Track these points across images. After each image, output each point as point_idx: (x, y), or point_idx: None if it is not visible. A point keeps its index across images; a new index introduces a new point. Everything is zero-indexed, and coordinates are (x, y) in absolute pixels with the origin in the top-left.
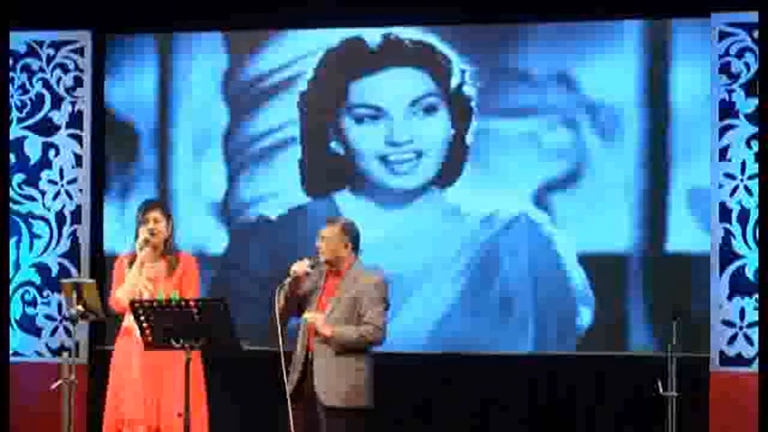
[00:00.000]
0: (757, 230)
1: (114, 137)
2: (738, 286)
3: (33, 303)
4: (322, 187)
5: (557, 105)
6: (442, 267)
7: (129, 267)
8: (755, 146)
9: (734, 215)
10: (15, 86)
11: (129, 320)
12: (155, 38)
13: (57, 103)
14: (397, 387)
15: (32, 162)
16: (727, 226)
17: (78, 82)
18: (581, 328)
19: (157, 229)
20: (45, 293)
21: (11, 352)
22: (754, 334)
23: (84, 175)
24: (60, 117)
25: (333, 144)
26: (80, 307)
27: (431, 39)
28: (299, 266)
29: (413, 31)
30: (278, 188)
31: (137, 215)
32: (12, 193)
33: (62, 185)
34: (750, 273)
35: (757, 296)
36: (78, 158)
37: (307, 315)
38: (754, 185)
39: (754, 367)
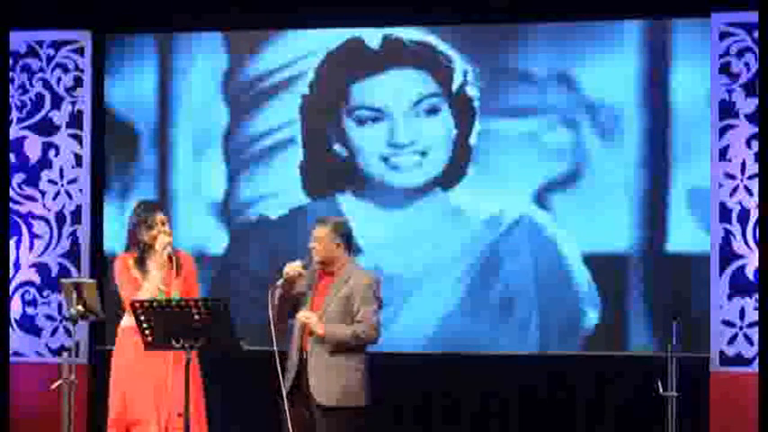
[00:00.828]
0: (757, 230)
1: (114, 137)
2: (738, 286)
3: (33, 303)
4: (322, 188)
5: (557, 105)
6: (444, 268)
7: (136, 268)
8: (755, 146)
9: (734, 215)
10: (15, 86)
11: (130, 320)
12: (155, 38)
13: (57, 103)
14: (398, 387)
15: (32, 162)
16: (727, 226)
17: (78, 82)
18: (581, 329)
19: (170, 233)
20: (45, 293)
21: (11, 352)
22: (755, 334)
23: (84, 175)
24: (60, 117)
25: (334, 145)
26: (80, 307)
27: (432, 39)
28: (292, 267)
29: (414, 32)
30: (278, 188)
31: (142, 216)
32: (12, 193)
33: (62, 185)
34: (750, 273)
35: (757, 296)
36: (78, 158)
37: (300, 314)
38: (754, 185)
39: (754, 367)
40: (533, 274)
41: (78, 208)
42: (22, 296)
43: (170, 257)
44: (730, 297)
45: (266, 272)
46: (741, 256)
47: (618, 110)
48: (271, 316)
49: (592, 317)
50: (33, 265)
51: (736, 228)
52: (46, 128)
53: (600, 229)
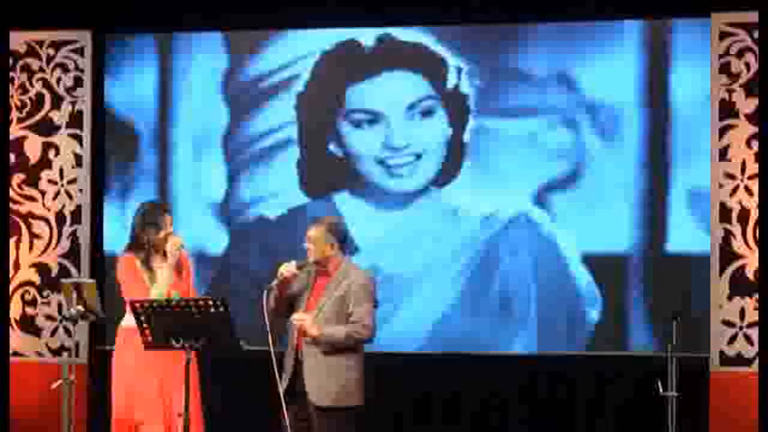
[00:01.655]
0: (757, 230)
1: (114, 137)
2: (738, 286)
3: (33, 303)
4: (321, 188)
5: (557, 105)
6: (442, 267)
7: (143, 267)
8: (755, 146)
9: (734, 215)
10: (15, 86)
11: (131, 320)
12: (155, 38)
13: (57, 103)
14: (398, 387)
15: (32, 162)
16: (727, 226)
17: (78, 82)
18: (581, 328)
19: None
20: (45, 293)
21: (11, 352)
22: (754, 334)
23: (85, 175)
24: (60, 117)
25: (331, 146)
26: (80, 307)
27: (425, 39)
28: (287, 268)
29: (411, 32)
30: (278, 188)
31: (150, 217)
32: (12, 193)
33: (62, 185)
34: (750, 273)
35: (757, 296)
36: (78, 158)
37: (295, 316)
38: (754, 185)
39: (754, 367)
40: (533, 274)
41: (78, 208)
42: (22, 296)
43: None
44: (730, 297)
45: (266, 272)
46: (741, 256)
47: (618, 110)
48: (266, 317)
49: (592, 317)
50: (33, 265)
51: (736, 228)
52: (46, 128)
53: (600, 229)
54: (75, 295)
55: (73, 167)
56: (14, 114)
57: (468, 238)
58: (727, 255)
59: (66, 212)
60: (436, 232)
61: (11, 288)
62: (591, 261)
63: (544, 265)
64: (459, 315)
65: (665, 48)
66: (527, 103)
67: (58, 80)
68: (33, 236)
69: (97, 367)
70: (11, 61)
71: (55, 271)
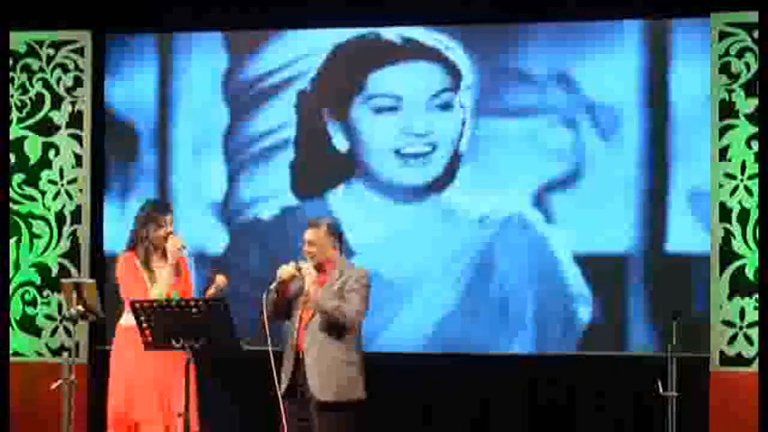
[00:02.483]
0: (757, 230)
1: (114, 137)
2: (738, 286)
3: (33, 303)
4: (315, 188)
5: (557, 105)
6: (442, 268)
7: (143, 267)
8: (755, 146)
9: (734, 215)
10: (15, 86)
11: (130, 319)
12: (155, 38)
13: (57, 103)
14: (397, 387)
15: (32, 162)
16: (728, 226)
17: (78, 82)
18: (581, 329)
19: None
20: (45, 293)
21: (11, 352)
22: (754, 334)
23: (85, 175)
24: (60, 117)
25: (335, 140)
26: (80, 307)
27: (439, 37)
28: (285, 271)
29: (419, 31)
30: (278, 188)
31: (152, 216)
32: (12, 193)
33: (62, 185)
34: (750, 273)
35: (757, 296)
36: (78, 158)
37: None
38: (754, 185)
39: (754, 367)
40: (532, 275)
41: (78, 208)
42: (22, 296)
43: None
44: (730, 297)
45: (266, 272)
46: (741, 256)
47: (618, 110)
48: (265, 319)
49: (592, 317)
50: (33, 265)
51: (736, 228)
52: (46, 128)
53: (600, 229)
54: (75, 295)
55: (73, 167)
56: (14, 114)
57: (469, 239)
58: (728, 255)
59: (67, 212)
60: (436, 232)
61: (11, 288)
62: (591, 261)
63: (544, 266)
64: (459, 315)
65: (665, 48)
66: (527, 103)
67: (58, 80)
68: (33, 236)
69: (97, 367)
70: (11, 61)
71: (55, 271)
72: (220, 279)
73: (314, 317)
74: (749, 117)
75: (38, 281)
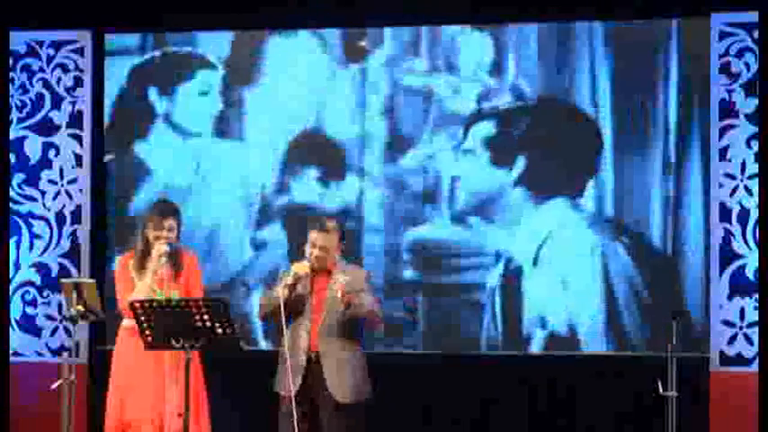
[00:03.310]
0: (757, 230)
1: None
2: (738, 286)
3: (33, 303)
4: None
5: None
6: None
7: (134, 269)
8: (755, 146)
9: (734, 215)
10: (15, 86)
11: (131, 320)
12: (155, 38)
13: (57, 103)
14: (397, 387)
15: (32, 162)
16: (727, 226)
17: (78, 82)
18: (581, 328)
19: (172, 238)
20: (45, 293)
21: (11, 352)
22: (754, 334)
23: (85, 175)
24: (60, 117)
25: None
26: (80, 307)
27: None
28: (301, 268)
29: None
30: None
31: (151, 216)
32: (12, 193)
33: (62, 185)
34: (750, 273)
35: (757, 296)
36: (78, 158)
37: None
38: (754, 185)
39: (754, 367)
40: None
41: (78, 208)
42: (22, 296)
43: (170, 258)
44: (730, 297)
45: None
46: (741, 256)
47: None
48: (281, 304)
49: (592, 317)
50: (33, 265)
51: (736, 228)
52: (46, 128)
53: None
54: (75, 295)
55: (73, 167)
56: (14, 114)
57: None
58: (728, 255)
59: (66, 212)
60: None
61: (11, 288)
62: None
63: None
64: (460, 315)
65: (666, 48)
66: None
67: (58, 80)
68: (33, 236)
69: (97, 367)
70: (11, 61)
71: (55, 271)
72: (157, 248)
73: (326, 319)
74: (749, 117)
75: (38, 281)
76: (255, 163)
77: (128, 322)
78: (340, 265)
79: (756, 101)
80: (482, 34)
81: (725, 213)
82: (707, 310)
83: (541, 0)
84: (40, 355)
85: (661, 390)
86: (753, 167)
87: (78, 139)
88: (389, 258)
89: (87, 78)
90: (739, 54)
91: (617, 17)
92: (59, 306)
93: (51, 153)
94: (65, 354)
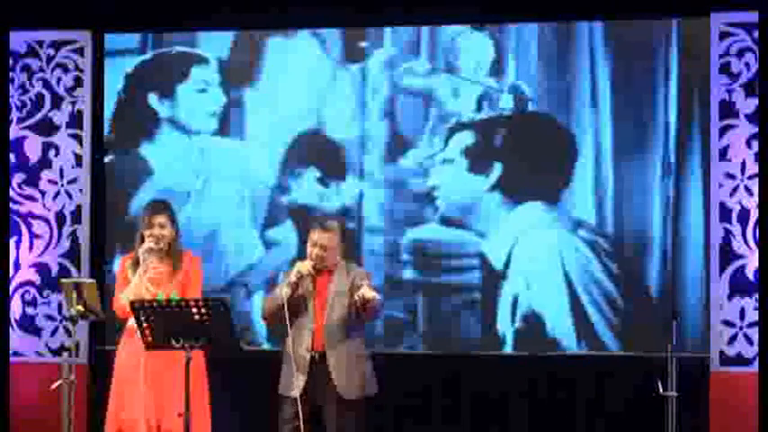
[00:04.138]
0: (757, 230)
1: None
2: (738, 286)
3: (33, 303)
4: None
5: None
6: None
7: (131, 269)
8: (755, 146)
9: (734, 215)
10: (15, 86)
11: (132, 321)
12: (155, 38)
13: (57, 103)
14: (397, 387)
15: (32, 162)
16: (728, 226)
17: (78, 82)
18: (581, 328)
19: (162, 235)
20: (45, 293)
21: (11, 352)
22: (755, 334)
23: (85, 175)
24: (60, 117)
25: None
26: (80, 307)
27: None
28: (305, 267)
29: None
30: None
31: (143, 216)
32: (12, 193)
33: (62, 185)
34: (750, 273)
35: (757, 296)
36: (78, 158)
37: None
38: (754, 185)
39: (754, 367)
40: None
41: (78, 208)
42: (22, 296)
43: (166, 255)
44: (730, 297)
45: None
46: (741, 256)
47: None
48: (285, 302)
49: (591, 317)
50: (33, 265)
51: (736, 228)
52: (46, 128)
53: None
54: (75, 295)
55: (73, 167)
56: (14, 114)
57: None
58: (728, 255)
59: (67, 212)
60: None
61: (11, 288)
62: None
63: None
64: (461, 315)
65: (666, 48)
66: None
67: (58, 80)
68: (33, 236)
69: (97, 367)
70: (11, 61)
71: (55, 271)
72: (144, 246)
73: (330, 318)
74: (749, 117)
75: (38, 281)
76: (256, 163)
77: (129, 322)
78: (341, 265)
79: (756, 101)
80: (482, 35)
81: (725, 213)
82: (707, 311)
83: (541, 0)
84: (40, 355)
85: (661, 390)
86: (753, 167)
87: (78, 139)
88: (389, 259)
89: (87, 78)
90: (739, 54)
91: (617, 17)
92: (59, 306)
93: (51, 153)
94: (65, 354)
